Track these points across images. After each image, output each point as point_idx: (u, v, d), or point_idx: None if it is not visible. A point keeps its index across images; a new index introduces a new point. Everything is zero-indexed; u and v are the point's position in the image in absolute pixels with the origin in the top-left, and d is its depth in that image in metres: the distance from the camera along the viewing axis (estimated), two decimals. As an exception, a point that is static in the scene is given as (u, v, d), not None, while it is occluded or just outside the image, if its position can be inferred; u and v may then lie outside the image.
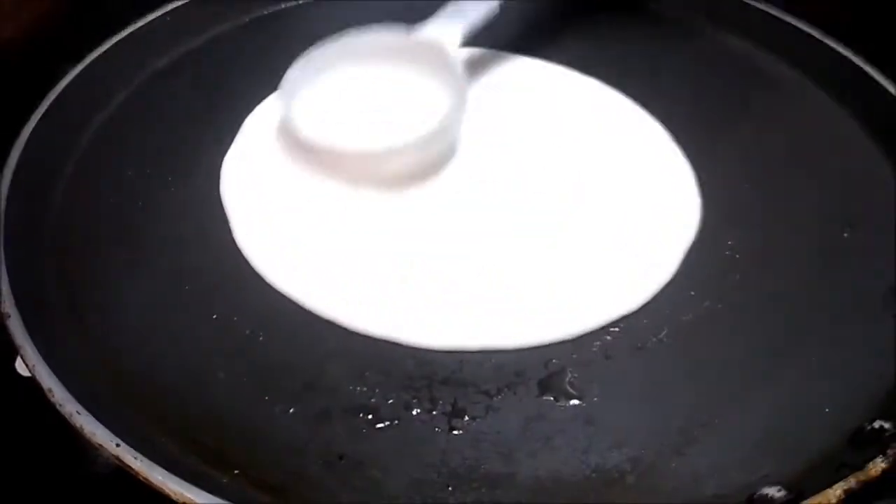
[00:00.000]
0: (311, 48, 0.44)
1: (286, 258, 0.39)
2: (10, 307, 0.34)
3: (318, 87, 0.43)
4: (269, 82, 0.46)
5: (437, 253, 0.39)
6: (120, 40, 0.48)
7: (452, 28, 0.44)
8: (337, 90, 0.44)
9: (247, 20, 0.54)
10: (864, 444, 0.32)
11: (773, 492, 0.30)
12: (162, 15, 0.50)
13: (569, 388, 0.35)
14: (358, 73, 0.44)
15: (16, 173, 0.40)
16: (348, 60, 0.44)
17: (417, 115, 0.42)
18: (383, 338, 0.36)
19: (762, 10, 0.52)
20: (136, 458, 0.29)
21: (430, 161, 0.43)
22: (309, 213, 0.41)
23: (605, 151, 0.45)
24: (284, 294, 0.37)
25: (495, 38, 0.50)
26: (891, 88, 0.45)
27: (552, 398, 0.34)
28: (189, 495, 0.28)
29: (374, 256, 0.39)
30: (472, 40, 0.46)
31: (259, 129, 0.45)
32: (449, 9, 0.45)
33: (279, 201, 0.41)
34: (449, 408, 0.34)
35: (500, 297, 0.37)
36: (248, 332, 0.36)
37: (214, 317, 0.37)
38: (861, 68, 0.47)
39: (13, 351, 0.33)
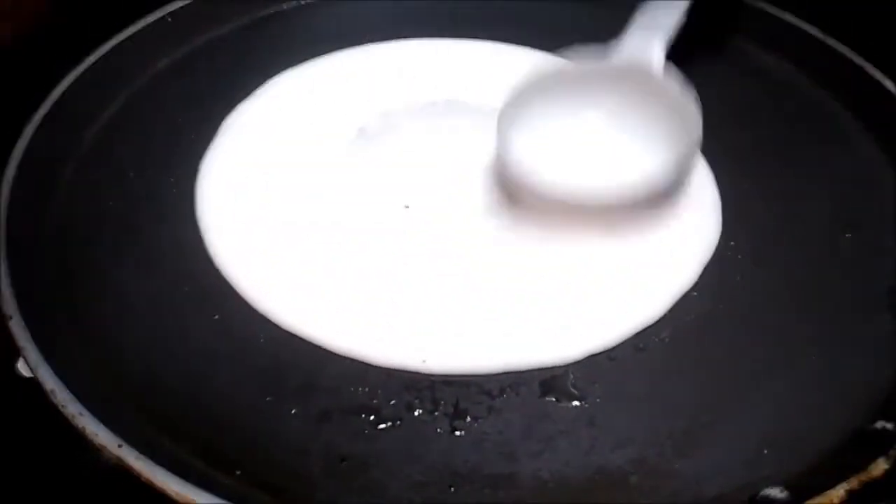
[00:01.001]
0: (520, 81, 0.40)
1: (265, 276, 0.38)
2: (11, 308, 0.34)
3: (535, 126, 0.39)
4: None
5: (434, 270, 0.38)
6: (121, 41, 0.48)
7: (652, 44, 0.40)
8: (554, 129, 0.40)
9: (247, 21, 0.54)
10: (865, 444, 0.32)
11: (775, 492, 0.30)
12: (163, 16, 0.50)
13: (571, 388, 0.35)
14: (571, 109, 0.40)
15: (17, 174, 0.40)
16: (560, 95, 0.40)
17: (646, 156, 0.38)
18: (380, 364, 0.35)
19: (762, 10, 0.52)
20: (138, 458, 0.29)
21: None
22: (293, 229, 0.40)
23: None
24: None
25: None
26: (892, 89, 0.45)
27: (554, 399, 0.34)
28: (191, 496, 0.28)
29: (368, 275, 0.38)
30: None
31: (238, 132, 0.45)
32: (641, 20, 0.41)
33: (258, 213, 0.41)
34: (451, 409, 0.34)
35: (503, 318, 0.37)
36: (249, 333, 0.36)
37: (216, 317, 0.37)
38: (862, 68, 0.47)
39: (15, 352, 0.33)
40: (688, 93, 0.39)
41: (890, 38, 0.48)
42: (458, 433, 0.33)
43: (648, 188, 0.38)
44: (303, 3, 0.55)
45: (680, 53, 0.51)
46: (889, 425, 0.32)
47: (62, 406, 0.31)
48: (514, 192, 0.40)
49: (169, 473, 0.29)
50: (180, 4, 0.51)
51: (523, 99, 0.39)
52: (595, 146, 0.40)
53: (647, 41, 0.40)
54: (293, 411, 0.33)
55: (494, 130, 0.39)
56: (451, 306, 0.37)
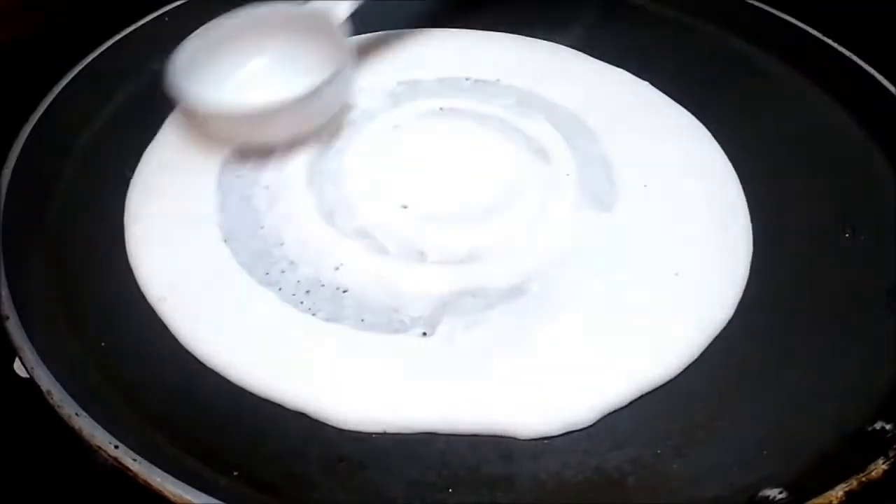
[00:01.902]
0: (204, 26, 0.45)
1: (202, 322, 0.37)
2: (8, 309, 0.34)
3: (208, 62, 0.44)
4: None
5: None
6: (118, 40, 0.48)
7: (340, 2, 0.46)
8: (227, 64, 0.45)
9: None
10: (865, 445, 0.32)
11: (774, 493, 0.30)
12: (160, 15, 0.50)
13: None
14: (246, 47, 0.46)
15: (14, 174, 0.39)
16: (239, 35, 0.45)
17: (300, 81, 0.42)
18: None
19: (762, 10, 0.52)
20: (135, 459, 0.29)
21: (310, 120, 0.44)
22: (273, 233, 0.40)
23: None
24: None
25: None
26: (892, 89, 0.45)
27: (552, 399, 0.34)
28: (188, 497, 0.28)
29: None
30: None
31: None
32: None
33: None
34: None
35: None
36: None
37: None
38: (862, 68, 0.47)
39: (12, 352, 0.33)
40: (348, 45, 0.45)
41: (890, 39, 0.48)
42: (455, 434, 0.33)
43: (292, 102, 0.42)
44: (302, 3, 0.55)
45: (680, 53, 0.52)
46: (888, 426, 0.32)
47: (59, 406, 0.31)
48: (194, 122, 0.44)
49: (165, 474, 0.29)
50: (178, 4, 0.51)
51: (202, 41, 0.44)
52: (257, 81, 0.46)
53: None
54: (291, 412, 0.33)
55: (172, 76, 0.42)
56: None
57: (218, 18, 0.45)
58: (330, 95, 0.44)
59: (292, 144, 0.44)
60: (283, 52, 0.46)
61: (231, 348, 0.35)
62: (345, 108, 0.47)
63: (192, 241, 0.40)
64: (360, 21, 0.48)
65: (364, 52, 0.51)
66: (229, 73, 0.45)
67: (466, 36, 0.54)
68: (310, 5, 0.46)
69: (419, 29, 0.54)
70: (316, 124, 0.44)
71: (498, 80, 0.50)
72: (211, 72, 0.44)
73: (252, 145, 0.44)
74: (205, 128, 0.44)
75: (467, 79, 0.50)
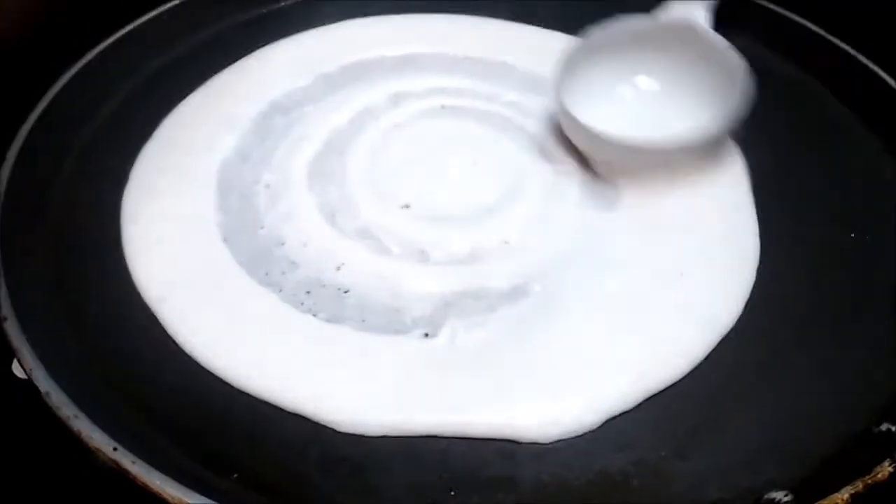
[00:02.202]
0: (571, 47, 0.43)
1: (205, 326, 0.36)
2: (6, 310, 0.33)
3: (591, 75, 0.43)
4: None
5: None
6: (117, 39, 0.48)
7: (696, 6, 0.44)
8: (606, 82, 0.44)
9: (245, 19, 0.53)
10: (870, 447, 0.31)
11: (780, 496, 0.30)
12: (160, 14, 0.50)
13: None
14: (631, 59, 0.44)
15: (13, 173, 0.39)
16: (613, 51, 0.44)
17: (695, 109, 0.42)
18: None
19: (765, 9, 0.52)
20: (133, 462, 0.29)
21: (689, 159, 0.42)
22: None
23: None
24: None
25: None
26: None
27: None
28: (187, 499, 0.28)
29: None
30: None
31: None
32: None
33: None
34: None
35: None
36: (246, 333, 0.36)
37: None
38: (867, 67, 0.47)
39: (10, 353, 0.33)
40: (733, 50, 0.42)
41: (893, 36, 0.47)
42: (457, 435, 0.33)
43: (702, 138, 0.41)
44: (302, 1, 0.55)
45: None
46: (894, 428, 0.32)
47: (57, 408, 0.30)
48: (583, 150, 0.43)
49: (164, 476, 0.28)
50: (177, 3, 0.51)
51: (575, 64, 0.43)
52: (649, 105, 0.44)
53: (691, 5, 0.44)
54: (291, 414, 0.33)
55: (551, 96, 0.42)
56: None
57: (595, 31, 0.44)
58: (721, 136, 0.42)
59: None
60: (670, 71, 0.44)
61: (230, 350, 0.35)
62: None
63: (192, 241, 0.39)
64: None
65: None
66: (611, 91, 0.44)
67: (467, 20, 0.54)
68: (668, 17, 0.44)
69: (421, 14, 0.54)
70: (701, 159, 0.43)
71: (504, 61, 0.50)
72: (596, 91, 0.43)
73: (607, 166, 0.43)
74: (577, 143, 0.43)
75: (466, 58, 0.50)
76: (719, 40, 0.42)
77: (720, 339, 0.36)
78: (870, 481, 0.29)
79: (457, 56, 0.51)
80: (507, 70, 0.50)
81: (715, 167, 0.44)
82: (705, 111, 0.42)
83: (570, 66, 0.42)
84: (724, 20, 0.52)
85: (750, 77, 0.41)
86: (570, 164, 0.44)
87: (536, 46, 0.52)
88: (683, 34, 0.43)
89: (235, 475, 0.31)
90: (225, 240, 0.39)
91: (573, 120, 0.42)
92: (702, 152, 0.42)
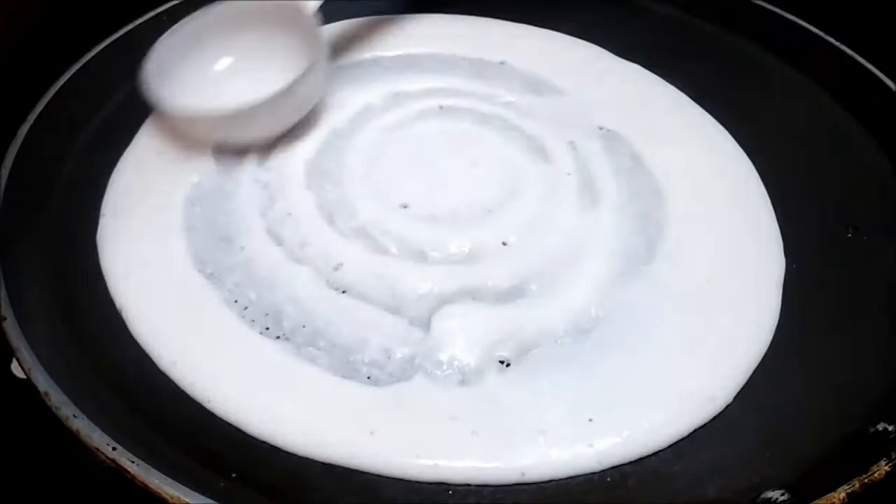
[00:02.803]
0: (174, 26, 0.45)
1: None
2: (5, 309, 0.33)
3: (181, 63, 0.44)
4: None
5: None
6: (116, 39, 0.48)
7: None
8: (200, 63, 0.45)
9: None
10: (867, 446, 0.31)
11: (776, 495, 0.30)
12: (159, 14, 0.50)
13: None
14: (218, 44, 0.46)
15: (12, 174, 0.39)
16: (210, 33, 0.45)
17: (274, 78, 0.42)
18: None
19: (763, 9, 0.52)
20: (132, 461, 0.29)
21: (287, 117, 0.44)
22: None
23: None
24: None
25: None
26: (894, 88, 0.45)
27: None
28: (186, 498, 0.28)
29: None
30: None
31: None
32: None
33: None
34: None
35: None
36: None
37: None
38: (864, 68, 0.47)
39: (9, 353, 0.33)
40: (321, 37, 0.44)
41: (892, 36, 0.48)
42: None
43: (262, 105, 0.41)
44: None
45: (680, 54, 0.51)
46: (890, 427, 0.32)
47: (56, 408, 0.30)
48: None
49: (163, 476, 0.28)
50: (176, 3, 0.51)
51: (174, 41, 0.44)
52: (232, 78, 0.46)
53: None
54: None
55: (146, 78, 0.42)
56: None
57: (187, 18, 0.45)
58: (305, 91, 0.44)
59: (272, 141, 0.44)
60: (257, 48, 0.46)
61: (213, 378, 0.34)
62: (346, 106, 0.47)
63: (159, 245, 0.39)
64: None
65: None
66: (203, 72, 0.45)
67: (467, 20, 0.54)
68: None
69: (422, 14, 0.54)
70: (294, 120, 0.44)
71: (503, 61, 0.51)
72: (185, 72, 0.44)
73: (231, 144, 0.44)
74: (181, 130, 0.44)
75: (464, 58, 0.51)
76: (310, 20, 0.44)
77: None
78: (866, 480, 0.29)
79: (455, 56, 0.51)
80: (506, 71, 0.50)
81: (723, 165, 0.44)
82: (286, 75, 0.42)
83: (162, 56, 0.43)
84: (723, 19, 0.53)
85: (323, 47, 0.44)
86: (569, 165, 0.44)
87: (536, 46, 0.52)
88: (281, 14, 0.45)
89: (234, 474, 0.31)
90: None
91: (166, 109, 0.43)
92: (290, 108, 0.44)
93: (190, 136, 0.44)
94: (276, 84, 0.41)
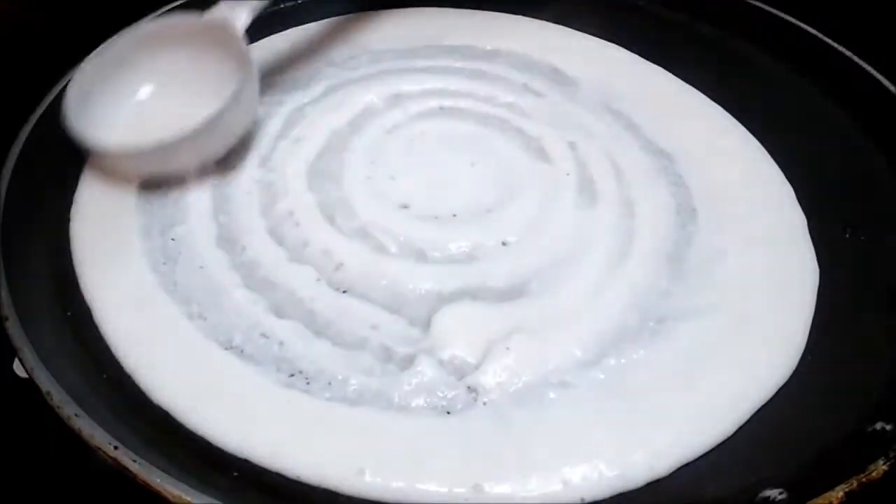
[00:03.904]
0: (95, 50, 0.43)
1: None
2: (8, 309, 0.34)
3: (103, 91, 0.42)
4: (266, 80, 0.46)
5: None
6: (117, 40, 0.48)
7: (240, 8, 0.43)
8: (123, 90, 0.43)
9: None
10: (865, 445, 0.31)
11: (775, 494, 0.30)
12: (158, 14, 0.50)
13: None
14: (142, 68, 0.44)
15: (14, 174, 0.39)
16: (133, 56, 0.44)
17: (202, 103, 0.40)
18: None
19: (762, 10, 0.52)
20: (134, 460, 0.29)
21: (217, 143, 0.42)
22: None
23: None
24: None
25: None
26: (892, 89, 0.45)
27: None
28: (188, 497, 0.28)
29: None
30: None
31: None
32: None
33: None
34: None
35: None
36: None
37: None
38: (862, 68, 0.46)
39: (11, 353, 0.33)
40: (249, 57, 0.42)
41: (890, 38, 0.48)
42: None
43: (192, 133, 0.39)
44: (301, 2, 0.55)
45: (681, 54, 0.51)
46: (888, 426, 0.32)
47: (58, 407, 0.30)
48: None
49: (165, 475, 0.29)
50: (177, 4, 0.51)
51: (99, 62, 0.42)
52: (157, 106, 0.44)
53: (235, 8, 0.43)
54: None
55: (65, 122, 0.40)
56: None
57: (109, 40, 0.44)
58: (234, 116, 0.42)
59: (203, 170, 0.42)
60: (183, 71, 0.44)
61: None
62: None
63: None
64: None
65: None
66: (126, 100, 0.43)
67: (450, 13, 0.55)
68: (207, 15, 0.43)
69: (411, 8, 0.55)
70: (225, 146, 0.42)
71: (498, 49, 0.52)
72: (107, 102, 0.42)
73: (160, 177, 0.42)
74: (106, 166, 0.42)
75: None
76: (238, 39, 0.42)
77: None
78: (864, 479, 0.29)
79: (455, 54, 0.51)
80: (507, 71, 0.51)
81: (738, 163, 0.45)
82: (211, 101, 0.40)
83: (83, 85, 0.41)
84: (720, 20, 0.53)
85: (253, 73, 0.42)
86: (569, 165, 0.44)
87: (536, 46, 0.52)
88: (209, 34, 0.43)
89: (235, 473, 0.31)
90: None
91: (88, 146, 0.40)
92: (214, 138, 0.41)
93: (118, 171, 0.42)
94: (204, 109, 0.40)
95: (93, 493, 0.35)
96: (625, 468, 0.32)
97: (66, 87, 0.42)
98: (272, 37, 0.52)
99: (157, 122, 0.41)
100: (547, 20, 0.54)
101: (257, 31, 0.52)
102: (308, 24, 0.54)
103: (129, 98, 0.44)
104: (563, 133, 0.46)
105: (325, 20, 0.54)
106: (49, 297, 0.37)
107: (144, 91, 0.44)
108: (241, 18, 0.43)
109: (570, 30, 0.54)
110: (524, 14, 0.55)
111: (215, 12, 0.43)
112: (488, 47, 0.52)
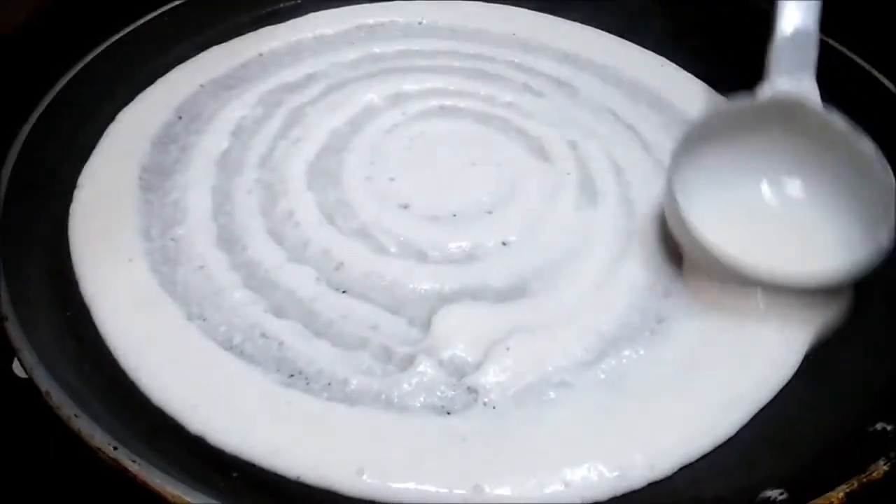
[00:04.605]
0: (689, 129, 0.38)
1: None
2: (7, 309, 0.33)
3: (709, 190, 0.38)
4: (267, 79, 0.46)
5: None
6: (117, 39, 0.48)
7: (805, 75, 0.38)
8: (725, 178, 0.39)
9: (246, 19, 0.53)
10: (865, 445, 0.31)
11: (775, 494, 0.30)
12: (160, 14, 0.50)
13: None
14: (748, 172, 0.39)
15: (14, 174, 0.39)
16: (731, 139, 0.38)
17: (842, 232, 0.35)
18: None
19: (763, 11, 0.52)
20: (133, 460, 0.29)
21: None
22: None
23: None
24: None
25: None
26: (892, 88, 0.45)
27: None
28: (187, 498, 0.28)
29: None
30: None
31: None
32: (781, 58, 0.38)
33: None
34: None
35: None
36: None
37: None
38: (862, 68, 0.46)
39: (11, 353, 0.33)
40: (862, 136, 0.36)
41: (890, 38, 0.47)
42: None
43: (851, 275, 0.34)
44: (301, 1, 0.55)
45: (681, 54, 0.51)
46: (889, 426, 0.32)
47: (58, 408, 0.30)
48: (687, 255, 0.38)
49: (165, 475, 0.28)
50: (178, 3, 0.51)
51: (695, 151, 0.38)
52: (780, 216, 0.38)
53: (798, 80, 0.38)
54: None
55: (665, 190, 0.37)
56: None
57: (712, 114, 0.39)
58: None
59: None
60: (804, 174, 0.38)
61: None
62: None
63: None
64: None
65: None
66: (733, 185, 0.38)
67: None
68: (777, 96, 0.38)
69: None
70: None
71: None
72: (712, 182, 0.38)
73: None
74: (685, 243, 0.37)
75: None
76: (854, 133, 0.36)
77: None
78: (865, 480, 0.29)
79: (455, 54, 0.51)
80: (507, 70, 0.51)
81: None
82: (842, 234, 0.36)
83: (684, 153, 0.37)
84: (719, 22, 0.53)
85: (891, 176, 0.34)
86: (569, 165, 0.44)
87: (536, 45, 0.52)
88: (798, 119, 0.38)
89: (235, 474, 0.31)
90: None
91: (692, 231, 0.36)
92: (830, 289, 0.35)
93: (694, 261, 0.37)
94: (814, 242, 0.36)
95: (93, 493, 0.35)
96: (625, 468, 0.32)
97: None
98: (271, 32, 0.53)
99: (772, 232, 0.37)
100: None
101: (255, 27, 0.53)
102: (307, 22, 0.54)
103: (735, 188, 0.38)
104: (563, 133, 0.46)
105: (325, 20, 0.54)
106: (49, 297, 0.37)
107: (753, 184, 0.39)
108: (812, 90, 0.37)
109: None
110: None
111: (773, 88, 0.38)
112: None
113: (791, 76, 0.38)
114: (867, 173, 0.35)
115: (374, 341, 0.35)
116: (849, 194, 0.37)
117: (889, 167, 0.35)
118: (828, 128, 0.37)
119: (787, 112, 0.38)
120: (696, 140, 0.38)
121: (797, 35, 0.39)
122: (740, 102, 0.39)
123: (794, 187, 0.39)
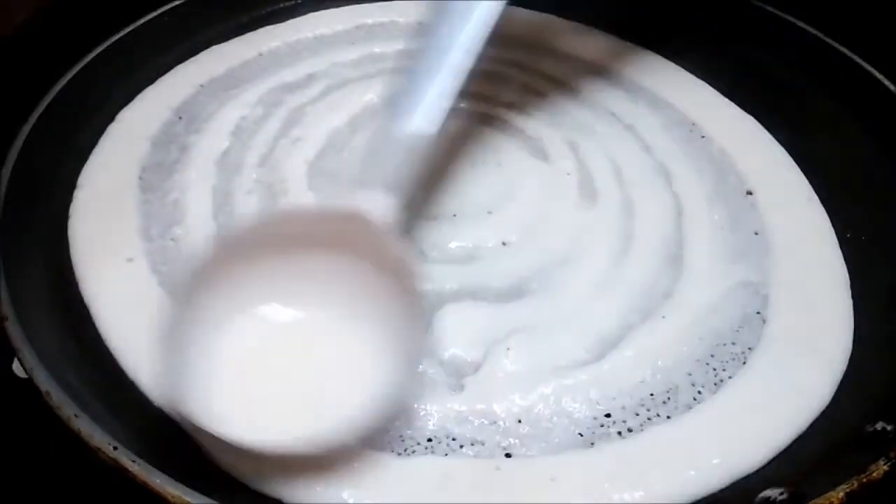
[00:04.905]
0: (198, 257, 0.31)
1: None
2: (7, 309, 0.33)
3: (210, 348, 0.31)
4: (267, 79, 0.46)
5: None
6: (117, 39, 0.48)
7: (385, 194, 0.31)
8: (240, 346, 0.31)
9: (245, 19, 0.53)
10: (865, 445, 0.31)
11: (775, 494, 0.30)
12: (160, 14, 0.50)
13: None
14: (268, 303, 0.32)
15: (14, 174, 0.39)
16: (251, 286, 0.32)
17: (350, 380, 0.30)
18: None
19: (763, 10, 0.52)
20: (134, 461, 0.29)
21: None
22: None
23: None
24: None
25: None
26: (893, 88, 0.45)
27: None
28: (187, 498, 0.28)
29: None
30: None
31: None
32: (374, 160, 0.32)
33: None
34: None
35: None
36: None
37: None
38: (862, 68, 0.46)
39: (10, 353, 0.33)
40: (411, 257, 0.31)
41: (890, 38, 0.48)
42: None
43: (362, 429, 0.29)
44: (301, 1, 0.55)
45: (680, 54, 0.51)
46: (889, 426, 0.32)
47: (58, 408, 0.30)
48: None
49: (165, 475, 0.28)
50: (178, 3, 0.51)
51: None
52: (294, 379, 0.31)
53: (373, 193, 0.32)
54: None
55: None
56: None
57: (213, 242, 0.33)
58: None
59: None
60: (319, 293, 0.32)
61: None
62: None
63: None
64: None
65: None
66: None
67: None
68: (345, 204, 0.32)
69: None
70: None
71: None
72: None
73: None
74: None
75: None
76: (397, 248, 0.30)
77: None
78: (865, 480, 0.29)
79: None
80: (507, 70, 0.51)
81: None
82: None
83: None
84: (721, 21, 0.53)
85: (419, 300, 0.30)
86: (569, 165, 0.44)
87: (536, 45, 0.52)
88: (352, 234, 0.31)
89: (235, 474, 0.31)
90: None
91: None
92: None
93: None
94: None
95: (93, 493, 0.35)
96: None
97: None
98: (271, 31, 0.53)
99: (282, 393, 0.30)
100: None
101: (255, 27, 0.53)
102: (307, 22, 0.54)
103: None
104: (563, 133, 0.46)
105: (325, 20, 0.54)
106: (49, 297, 0.37)
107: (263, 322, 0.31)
108: (389, 209, 0.30)
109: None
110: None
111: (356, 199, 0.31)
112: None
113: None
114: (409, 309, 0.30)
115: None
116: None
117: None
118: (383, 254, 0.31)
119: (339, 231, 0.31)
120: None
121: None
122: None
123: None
